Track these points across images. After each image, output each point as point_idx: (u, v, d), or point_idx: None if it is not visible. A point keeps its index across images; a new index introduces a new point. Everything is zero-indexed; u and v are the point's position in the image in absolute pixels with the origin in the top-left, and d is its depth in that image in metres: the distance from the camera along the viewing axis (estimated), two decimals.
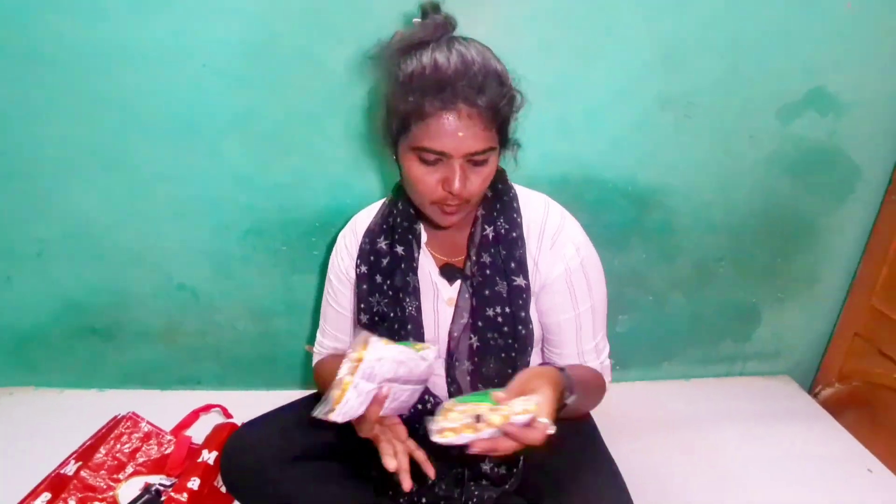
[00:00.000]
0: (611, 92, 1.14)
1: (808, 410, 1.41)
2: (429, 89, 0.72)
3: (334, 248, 1.01)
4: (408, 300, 0.90)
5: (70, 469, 1.11)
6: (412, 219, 0.91)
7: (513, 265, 0.87)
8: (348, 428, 0.97)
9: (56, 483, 1.08)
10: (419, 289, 0.91)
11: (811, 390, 1.52)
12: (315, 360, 1.06)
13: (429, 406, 0.92)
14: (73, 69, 1.04)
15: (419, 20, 0.77)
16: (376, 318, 0.92)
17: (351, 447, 0.97)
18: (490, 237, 0.88)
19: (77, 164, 1.13)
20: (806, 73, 1.17)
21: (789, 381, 1.52)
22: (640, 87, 1.14)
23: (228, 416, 1.30)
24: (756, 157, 1.24)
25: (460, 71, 0.71)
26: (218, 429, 1.24)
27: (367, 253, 0.92)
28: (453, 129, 0.72)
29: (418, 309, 0.91)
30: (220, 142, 1.12)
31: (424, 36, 0.75)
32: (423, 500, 0.90)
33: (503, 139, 0.79)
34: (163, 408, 1.29)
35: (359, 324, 0.94)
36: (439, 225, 0.85)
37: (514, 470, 0.90)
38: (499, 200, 0.89)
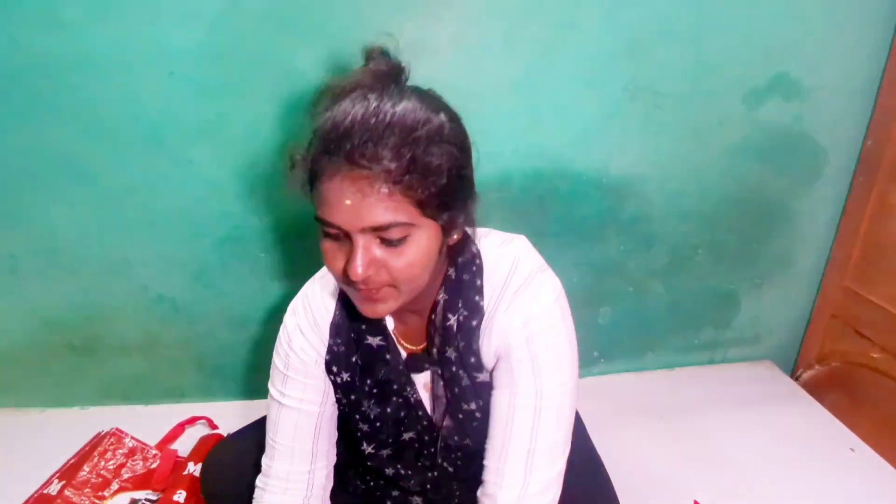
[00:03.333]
0: (579, 84, 1.15)
1: (790, 393, 1.43)
2: (324, 146, 0.59)
3: (287, 338, 0.80)
4: (408, 389, 0.79)
5: (54, 489, 1.10)
6: None
7: (472, 360, 0.73)
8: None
9: (40, 503, 1.06)
10: (409, 376, 0.79)
11: (793, 373, 1.54)
12: (256, 500, 0.82)
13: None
14: (34, 80, 1.04)
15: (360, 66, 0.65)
16: (378, 424, 0.80)
17: (335, 458, 0.95)
18: (455, 327, 0.72)
19: (44, 177, 1.12)
20: (768, 59, 1.19)
21: (771, 365, 1.53)
22: (607, 78, 1.15)
23: (214, 427, 1.29)
24: (726, 144, 1.26)
25: (356, 124, 0.57)
26: (204, 441, 1.23)
27: (344, 356, 0.78)
28: (340, 197, 0.58)
29: (417, 391, 0.80)
30: (191, 149, 1.11)
31: (356, 84, 0.62)
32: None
33: (434, 213, 0.62)
34: (147, 422, 1.28)
35: (357, 433, 0.82)
36: (366, 316, 0.68)
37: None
38: (460, 284, 0.72)
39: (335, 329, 0.77)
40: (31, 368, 1.32)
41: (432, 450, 0.82)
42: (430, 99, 0.63)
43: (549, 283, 0.72)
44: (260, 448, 0.85)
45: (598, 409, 1.16)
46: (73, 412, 1.36)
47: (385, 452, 0.83)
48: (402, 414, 0.80)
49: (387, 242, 0.61)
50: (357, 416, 0.80)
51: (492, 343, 0.72)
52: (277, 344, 0.82)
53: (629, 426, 1.29)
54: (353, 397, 0.79)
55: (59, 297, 1.24)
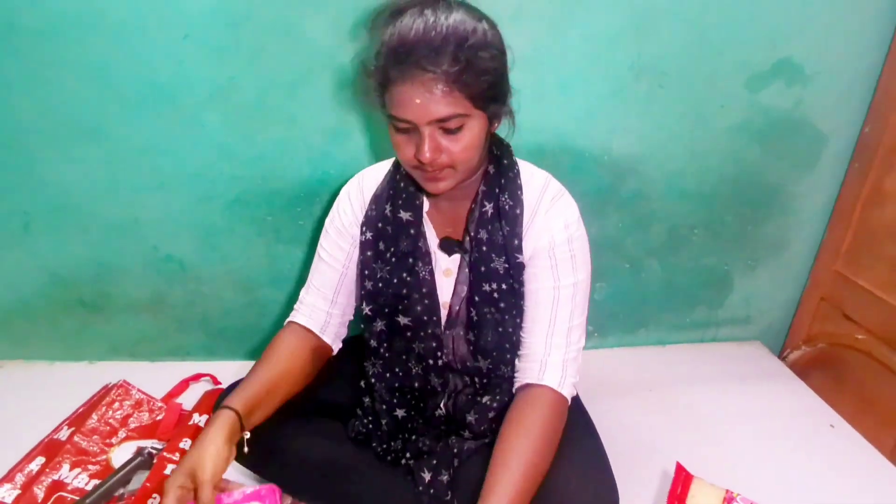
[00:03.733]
0: (585, 61, 1.17)
1: (776, 372, 1.47)
2: (391, 58, 0.73)
3: (337, 202, 0.99)
4: (419, 265, 0.91)
5: (63, 434, 1.14)
6: (417, 185, 0.90)
7: (516, 242, 0.87)
8: (332, 386, 1.02)
9: (50, 448, 1.10)
10: (429, 253, 0.92)
11: (780, 354, 1.58)
12: (290, 317, 1.01)
13: (434, 377, 0.95)
14: (49, 38, 1.05)
15: None
16: (380, 285, 0.93)
17: (334, 404, 1.02)
18: (490, 213, 0.88)
19: (57, 136, 1.14)
20: (772, 44, 1.20)
21: (760, 346, 1.58)
22: (613, 56, 1.17)
23: (217, 383, 1.33)
24: (726, 125, 1.28)
25: (419, 37, 0.71)
26: (209, 395, 1.27)
27: (374, 220, 0.93)
28: (410, 97, 0.73)
29: (431, 273, 0.92)
30: (202, 113, 1.13)
31: (410, 2, 0.76)
32: (407, 453, 0.94)
33: (483, 105, 0.77)
34: (153, 378, 1.31)
35: (363, 290, 0.95)
36: (429, 192, 0.86)
37: (494, 426, 0.92)
38: (503, 176, 0.89)
39: (375, 199, 0.94)
40: (40, 323, 1.36)
41: (433, 345, 0.93)
42: (473, 10, 0.77)
43: (573, 201, 0.92)
44: None
45: (592, 382, 1.20)
46: (82, 366, 1.40)
47: (381, 325, 0.95)
48: (408, 281, 0.92)
49: (448, 131, 0.76)
50: (366, 272, 0.94)
51: (536, 236, 0.89)
52: (332, 206, 1.00)
53: (620, 397, 1.33)
54: (368, 254, 0.94)
55: (69, 254, 1.27)
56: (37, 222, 1.23)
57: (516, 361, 0.92)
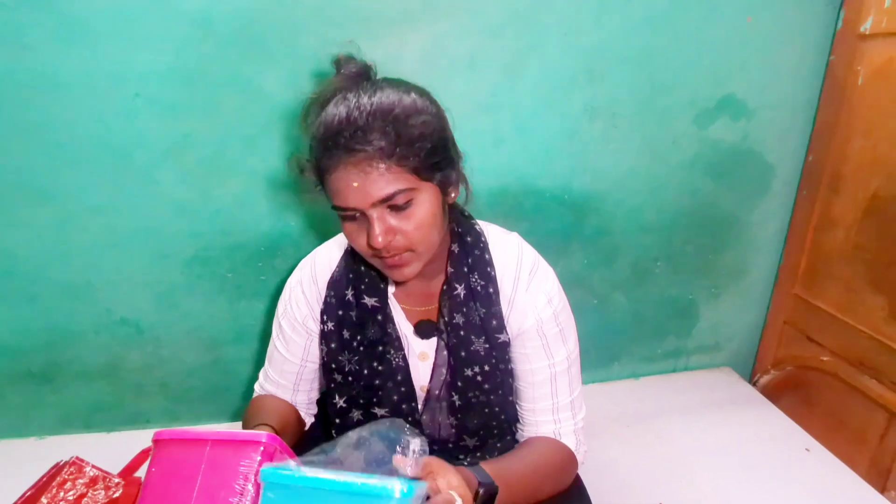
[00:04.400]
0: (540, 104, 1.20)
1: (749, 398, 1.48)
2: (321, 148, 0.70)
3: (287, 292, 0.93)
4: (391, 352, 0.87)
5: None
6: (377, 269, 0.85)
7: (494, 323, 0.83)
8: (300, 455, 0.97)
9: None
10: (399, 338, 0.87)
11: (751, 378, 1.60)
12: (256, 393, 1.00)
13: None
14: None
15: (333, 75, 0.76)
16: (349, 378, 0.88)
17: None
18: (462, 295, 0.83)
19: (3, 199, 1.09)
20: (716, 82, 1.26)
21: (731, 371, 1.59)
22: (567, 98, 1.20)
23: None
24: (679, 160, 1.32)
25: (343, 120, 0.68)
26: None
27: (334, 308, 0.87)
28: (347, 182, 0.68)
29: (405, 359, 0.87)
30: (156, 170, 1.11)
31: (335, 90, 0.72)
32: None
33: (429, 175, 0.72)
34: (110, 450, 1.22)
35: (332, 383, 0.90)
36: (396, 281, 0.83)
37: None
38: (469, 255, 0.84)
39: (333, 284, 0.88)
40: None
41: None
42: (399, 84, 0.73)
43: (550, 268, 0.90)
44: None
45: None
46: (30, 442, 1.30)
47: (357, 415, 0.88)
48: (381, 370, 0.87)
49: (396, 209, 0.70)
50: (333, 366, 0.88)
51: (521, 314, 0.85)
52: (282, 294, 0.95)
53: (598, 435, 1.31)
54: (332, 346, 0.87)
55: (16, 323, 1.20)
56: None
57: (521, 432, 0.92)
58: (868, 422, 1.28)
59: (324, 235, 1.06)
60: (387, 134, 0.67)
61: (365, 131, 0.67)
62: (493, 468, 0.75)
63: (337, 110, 0.69)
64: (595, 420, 1.36)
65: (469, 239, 0.85)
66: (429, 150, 0.70)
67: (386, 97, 0.69)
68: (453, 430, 0.89)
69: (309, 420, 0.99)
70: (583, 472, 0.95)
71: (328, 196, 0.73)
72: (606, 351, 1.52)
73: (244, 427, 0.92)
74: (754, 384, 1.57)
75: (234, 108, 1.08)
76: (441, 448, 0.92)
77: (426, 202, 0.72)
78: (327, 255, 0.91)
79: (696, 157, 1.32)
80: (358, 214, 0.71)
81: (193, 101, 1.07)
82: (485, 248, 0.85)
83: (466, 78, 1.12)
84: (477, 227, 0.87)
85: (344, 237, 0.88)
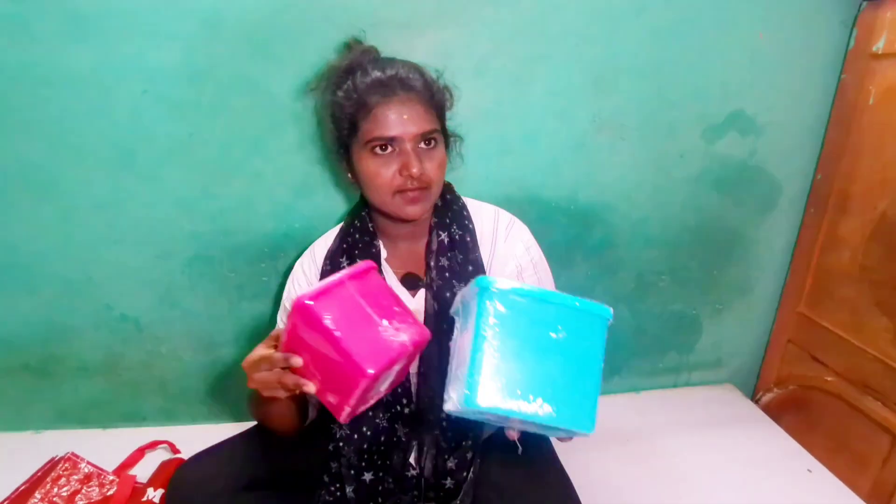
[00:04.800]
0: (548, 115, 1.19)
1: (750, 416, 1.47)
2: (369, 88, 0.83)
3: (291, 275, 1.01)
4: None
5: None
6: (371, 234, 0.95)
7: (470, 268, 0.92)
8: (297, 455, 0.97)
9: None
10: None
11: (753, 396, 1.59)
12: None
13: (400, 427, 0.92)
14: (2, 92, 1.02)
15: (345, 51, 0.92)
16: None
17: (300, 474, 0.96)
18: (446, 242, 0.93)
19: (6, 192, 1.10)
20: (725, 98, 1.25)
21: (732, 389, 1.58)
22: (575, 110, 1.20)
23: (176, 451, 1.26)
24: (686, 175, 1.31)
25: (392, 68, 0.84)
26: (164, 466, 1.19)
27: (330, 273, 0.90)
28: (398, 114, 0.82)
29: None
30: (161, 168, 1.11)
31: (353, 60, 0.89)
32: None
33: (444, 127, 0.89)
34: (105, 447, 1.23)
35: None
36: (406, 218, 0.88)
37: (464, 485, 0.90)
38: (449, 210, 0.95)
39: (329, 255, 0.97)
40: None
41: (399, 391, 0.91)
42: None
43: (525, 224, 1.01)
44: (228, 467, 0.92)
45: None
46: (26, 436, 1.30)
47: None
48: None
49: (427, 145, 0.86)
50: None
51: (502, 261, 0.96)
52: (289, 281, 1.02)
53: (597, 450, 1.30)
54: None
55: (16, 316, 1.20)
56: None
57: None
58: (871, 444, 1.26)
59: None
60: (426, 84, 0.86)
61: (410, 78, 0.85)
62: None
63: (381, 62, 0.86)
64: (595, 433, 1.35)
65: (448, 196, 0.97)
66: (446, 106, 0.91)
67: (411, 62, 0.88)
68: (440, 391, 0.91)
69: (313, 413, 0.97)
70: (578, 487, 0.93)
71: (361, 135, 0.85)
72: (607, 364, 1.47)
73: (256, 419, 0.94)
74: (756, 402, 1.55)
75: (240, 109, 1.08)
76: (431, 420, 0.92)
77: (443, 148, 0.89)
78: (324, 240, 1.01)
79: (703, 171, 1.31)
80: (390, 150, 0.84)
81: (200, 101, 1.07)
82: (463, 206, 0.98)
83: (473, 86, 1.12)
84: (455, 192, 0.99)
85: (338, 228, 1.00)
